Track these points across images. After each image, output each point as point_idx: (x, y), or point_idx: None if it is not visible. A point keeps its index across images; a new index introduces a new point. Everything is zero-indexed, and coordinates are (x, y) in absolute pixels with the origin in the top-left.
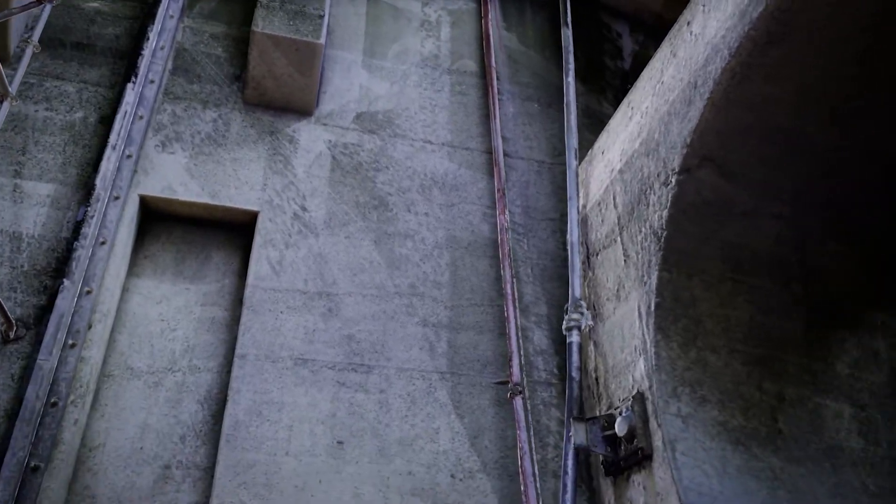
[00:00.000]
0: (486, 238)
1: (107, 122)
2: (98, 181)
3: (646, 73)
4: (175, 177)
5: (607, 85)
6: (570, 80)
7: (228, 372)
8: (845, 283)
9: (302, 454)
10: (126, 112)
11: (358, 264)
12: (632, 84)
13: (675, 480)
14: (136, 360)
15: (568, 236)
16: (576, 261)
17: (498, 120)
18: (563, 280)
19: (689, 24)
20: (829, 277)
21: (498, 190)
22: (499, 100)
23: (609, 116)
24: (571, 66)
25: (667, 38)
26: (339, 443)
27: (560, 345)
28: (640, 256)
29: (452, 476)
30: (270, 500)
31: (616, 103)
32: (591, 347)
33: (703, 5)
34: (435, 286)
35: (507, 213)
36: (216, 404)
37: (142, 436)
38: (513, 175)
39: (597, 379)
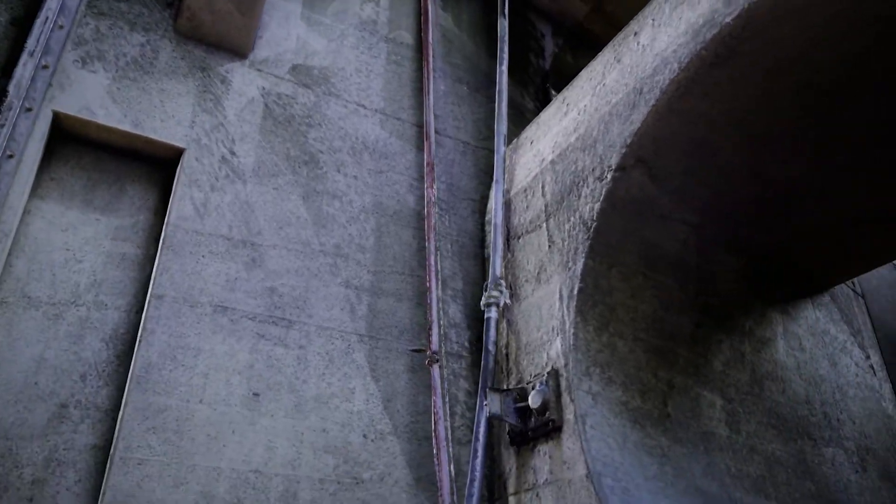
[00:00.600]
0: (411, 209)
1: (19, 24)
2: (11, 88)
3: (584, 74)
4: (95, 98)
5: (529, 80)
6: (503, 70)
7: (138, 312)
8: (728, 291)
9: (216, 403)
10: (47, 18)
11: (285, 217)
12: (551, 83)
13: (584, 450)
14: (34, 289)
15: (492, 217)
16: (498, 241)
17: (432, 96)
18: (480, 259)
19: (636, 34)
20: (717, 284)
21: (427, 164)
22: (432, 77)
23: (530, 110)
24: (506, 55)
25: (610, 45)
26: (256, 395)
27: (473, 320)
28: (566, 244)
29: (364, 436)
30: (181, 447)
31: (537, 98)
32: (504, 325)
33: (653, 20)
34: (359, 249)
35: (434, 187)
36: (122, 344)
37: (37, 370)
38: (440, 152)
39: (507, 355)
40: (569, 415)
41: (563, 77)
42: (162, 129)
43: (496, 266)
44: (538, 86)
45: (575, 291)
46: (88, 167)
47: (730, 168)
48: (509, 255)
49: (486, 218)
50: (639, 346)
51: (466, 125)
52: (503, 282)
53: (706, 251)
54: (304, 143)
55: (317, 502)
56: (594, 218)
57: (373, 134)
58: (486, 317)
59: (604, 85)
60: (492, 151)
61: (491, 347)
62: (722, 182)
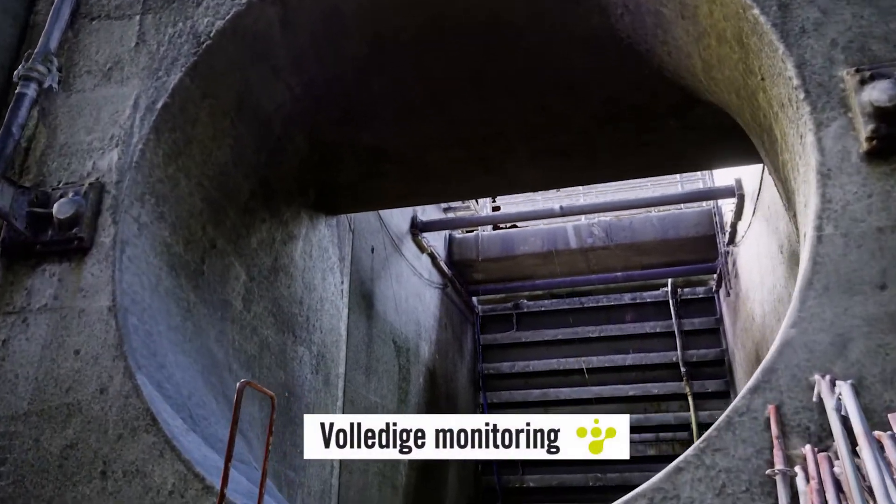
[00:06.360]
0: None
1: None
2: None
3: None
4: None
5: None
6: None
7: None
8: (286, 175)
9: None
10: None
11: None
12: None
13: (115, 281)
14: None
15: None
16: (65, 11)
17: None
18: (20, 19)
19: None
20: (283, 163)
21: None
22: None
23: None
24: None
25: None
26: None
27: None
28: (163, 49)
29: None
30: None
31: None
32: (36, 114)
33: None
34: None
35: None
36: None
37: None
38: None
39: (28, 149)
40: (105, 238)
41: None
42: None
43: (53, 38)
44: None
45: (158, 105)
46: None
47: (347, 62)
48: (70, 35)
49: None
50: (199, 192)
51: None
52: (56, 60)
53: (291, 125)
54: None
55: None
56: (210, 36)
57: None
58: (18, 91)
59: None
60: None
61: (16, 131)
62: (338, 72)
